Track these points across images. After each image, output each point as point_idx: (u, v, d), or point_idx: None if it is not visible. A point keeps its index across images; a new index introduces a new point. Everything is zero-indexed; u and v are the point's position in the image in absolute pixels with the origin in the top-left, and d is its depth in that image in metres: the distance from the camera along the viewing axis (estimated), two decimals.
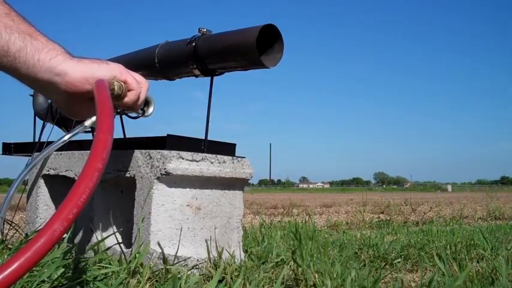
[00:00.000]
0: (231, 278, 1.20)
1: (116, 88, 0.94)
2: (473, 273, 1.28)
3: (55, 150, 1.58)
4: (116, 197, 1.55)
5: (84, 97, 0.90)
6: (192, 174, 1.36)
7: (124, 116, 1.72)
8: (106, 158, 0.65)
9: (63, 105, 0.95)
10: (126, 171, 1.40)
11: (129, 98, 0.98)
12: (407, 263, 1.72)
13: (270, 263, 1.38)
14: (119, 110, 1.66)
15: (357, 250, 1.87)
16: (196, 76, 1.61)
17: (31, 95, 2.09)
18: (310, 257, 1.37)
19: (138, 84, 1.00)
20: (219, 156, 1.46)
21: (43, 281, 1.00)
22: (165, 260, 1.22)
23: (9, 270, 0.47)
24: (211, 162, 1.43)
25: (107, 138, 0.68)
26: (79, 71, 0.87)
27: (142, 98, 1.03)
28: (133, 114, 1.65)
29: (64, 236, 1.58)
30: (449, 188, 64.18)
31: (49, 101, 1.98)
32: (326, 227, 3.48)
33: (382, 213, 5.38)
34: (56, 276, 1.02)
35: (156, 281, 1.14)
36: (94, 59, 0.94)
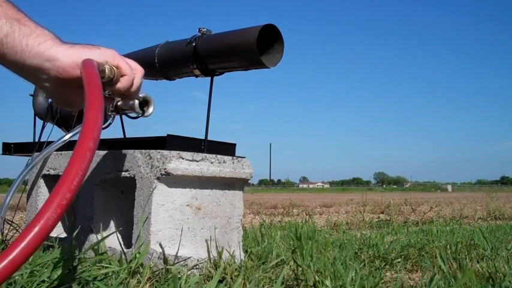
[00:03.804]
0: (231, 278, 1.20)
1: (106, 71, 0.90)
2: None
3: (55, 150, 1.58)
4: (116, 197, 1.55)
5: (75, 84, 0.87)
6: (192, 174, 1.36)
7: (124, 116, 1.72)
8: (98, 136, 0.61)
9: (54, 94, 0.92)
10: (126, 171, 1.40)
11: (122, 84, 0.94)
12: (407, 263, 1.72)
13: (270, 263, 1.38)
14: (119, 110, 1.66)
15: (357, 250, 1.87)
16: (197, 76, 1.61)
17: (31, 95, 2.09)
18: (310, 257, 1.37)
19: (131, 70, 0.96)
20: (219, 156, 1.46)
21: (43, 281, 1.00)
22: (165, 260, 1.22)
23: (0, 266, 0.45)
24: (211, 162, 1.43)
25: (97, 116, 0.64)
26: (70, 56, 0.84)
27: (136, 84, 0.99)
28: (133, 114, 1.64)
29: (64, 236, 1.58)
30: (449, 188, 64.18)
31: (49, 100, 1.98)
32: (326, 227, 3.48)
33: (382, 213, 5.38)
34: (56, 276, 1.02)
35: (156, 281, 1.14)
36: (86, 44, 0.90)
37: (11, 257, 0.46)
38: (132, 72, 0.97)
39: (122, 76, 0.94)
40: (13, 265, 0.46)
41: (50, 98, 0.97)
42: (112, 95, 0.99)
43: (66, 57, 0.84)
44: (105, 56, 0.91)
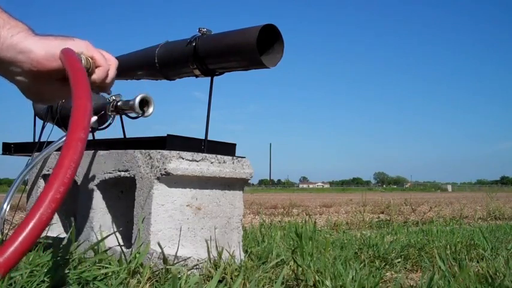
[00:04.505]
0: (231, 278, 1.20)
1: (83, 61, 0.87)
2: (472, 273, 1.28)
3: (55, 150, 1.58)
4: (116, 197, 1.55)
5: (49, 76, 0.85)
6: (192, 174, 1.36)
7: (124, 116, 1.72)
8: (88, 126, 0.59)
9: (28, 88, 0.89)
10: (126, 171, 1.40)
11: (97, 75, 0.92)
12: (407, 263, 1.72)
13: (270, 263, 1.38)
14: (119, 110, 1.65)
15: (357, 250, 1.87)
16: (197, 76, 1.61)
17: None
18: (310, 257, 1.37)
19: (106, 61, 0.93)
20: (219, 156, 1.46)
21: (43, 281, 1.00)
22: (165, 260, 1.22)
23: None
24: (211, 162, 1.43)
25: (86, 104, 0.63)
26: (44, 48, 0.82)
27: (111, 75, 0.96)
28: (133, 114, 1.65)
29: (64, 236, 1.58)
30: (449, 188, 64.15)
31: None
32: (326, 227, 3.48)
33: (382, 213, 5.38)
34: (56, 276, 1.02)
35: (156, 281, 1.14)
36: (58, 35, 0.89)
37: (5, 255, 0.45)
38: (107, 63, 0.95)
39: (96, 67, 0.92)
40: (8, 263, 0.45)
41: (22, 92, 0.93)
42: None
43: (40, 49, 0.82)
44: (80, 46, 0.89)
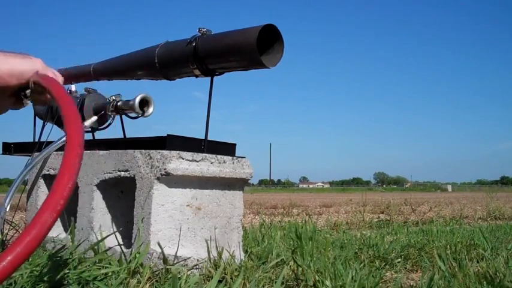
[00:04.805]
0: (231, 278, 1.20)
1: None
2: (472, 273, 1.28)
3: (55, 150, 1.58)
4: (116, 197, 1.55)
5: (5, 92, 0.89)
6: (192, 174, 1.36)
7: (124, 116, 1.72)
8: (83, 143, 0.65)
9: None
10: (126, 171, 1.40)
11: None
12: (407, 263, 1.72)
13: (270, 263, 1.38)
14: (119, 110, 1.66)
15: (357, 250, 1.87)
16: (197, 76, 1.61)
17: None
18: (310, 257, 1.37)
19: (56, 78, 0.97)
20: (219, 156, 1.46)
21: (43, 281, 1.00)
22: (165, 260, 1.22)
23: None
24: (211, 162, 1.43)
25: (78, 125, 0.69)
26: (6, 64, 0.86)
27: None
28: (133, 114, 1.65)
29: (65, 236, 1.58)
30: (449, 188, 64.11)
31: None
32: (326, 227, 3.48)
33: (382, 213, 5.38)
34: (55, 276, 1.02)
35: (156, 281, 1.14)
36: (17, 53, 0.93)
37: (8, 258, 0.48)
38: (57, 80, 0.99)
39: None
40: (16, 261, 0.48)
41: None
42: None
43: (4, 65, 0.85)
44: (36, 65, 0.92)
